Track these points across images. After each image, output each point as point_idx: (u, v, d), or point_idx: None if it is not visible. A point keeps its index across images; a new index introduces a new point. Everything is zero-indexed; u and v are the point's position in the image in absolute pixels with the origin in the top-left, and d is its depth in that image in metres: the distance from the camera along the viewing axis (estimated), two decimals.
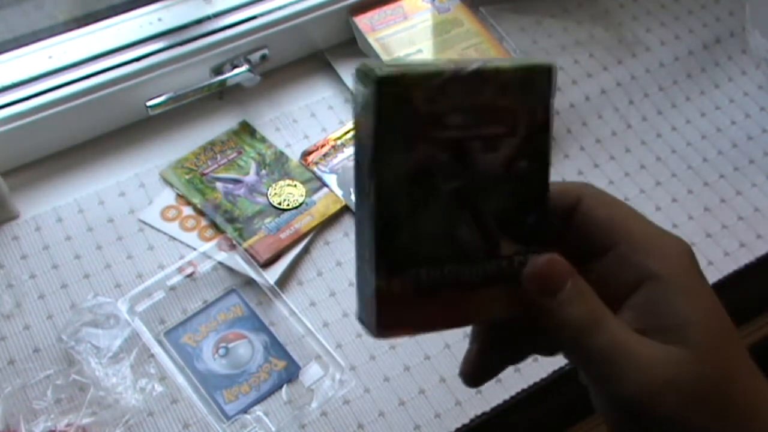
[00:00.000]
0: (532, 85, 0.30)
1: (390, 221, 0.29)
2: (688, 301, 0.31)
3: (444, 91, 0.28)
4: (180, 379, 0.62)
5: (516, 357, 0.36)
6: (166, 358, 0.62)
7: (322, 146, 0.76)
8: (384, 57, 0.77)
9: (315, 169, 0.75)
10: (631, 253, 0.32)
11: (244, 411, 0.61)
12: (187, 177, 0.73)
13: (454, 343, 0.65)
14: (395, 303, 0.30)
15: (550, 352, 0.35)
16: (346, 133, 0.77)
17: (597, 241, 0.32)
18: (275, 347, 0.64)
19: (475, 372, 0.36)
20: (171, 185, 0.73)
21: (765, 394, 0.32)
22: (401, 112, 0.28)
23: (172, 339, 0.64)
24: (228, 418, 0.60)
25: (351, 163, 0.75)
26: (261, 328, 0.65)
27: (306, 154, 0.75)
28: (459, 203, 0.30)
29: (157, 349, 0.63)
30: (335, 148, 0.76)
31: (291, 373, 0.63)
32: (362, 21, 0.80)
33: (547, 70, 0.31)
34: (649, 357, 0.30)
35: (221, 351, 0.64)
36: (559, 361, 0.65)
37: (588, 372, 0.32)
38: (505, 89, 0.30)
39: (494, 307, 0.32)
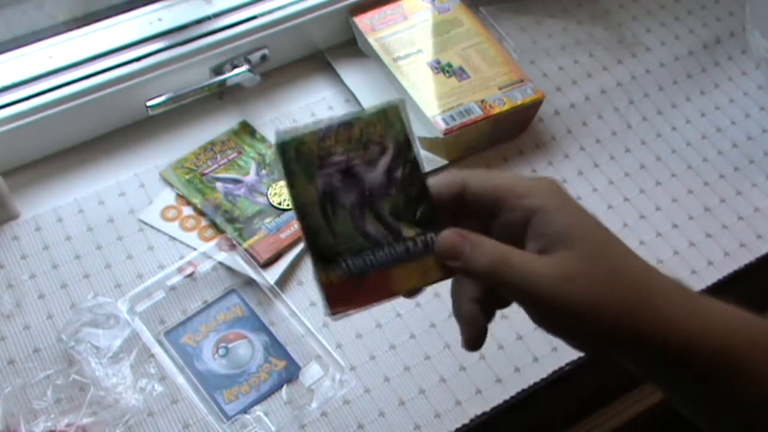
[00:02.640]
0: (388, 118, 0.43)
1: (314, 231, 0.42)
2: (564, 217, 0.40)
3: (325, 138, 0.42)
4: (180, 379, 0.62)
5: (491, 312, 0.44)
6: (166, 358, 0.62)
7: None
8: (384, 57, 0.77)
9: None
10: (514, 201, 0.41)
11: (244, 411, 0.61)
12: (187, 177, 0.73)
13: (454, 343, 0.65)
14: (336, 288, 0.42)
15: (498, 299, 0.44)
16: None
17: (489, 206, 0.42)
18: (275, 347, 0.64)
19: (475, 337, 0.43)
20: (171, 185, 0.73)
21: (646, 267, 0.40)
22: (299, 157, 0.42)
23: (172, 339, 0.64)
24: (228, 418, 0.60)
25: None
26: (261, 328, 0.65)
27: None
28: (361, 208, 0.42)
29: (157, 349, 0.63)
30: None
31: (291, 373, 0.63)
32: (362, 21, 0.80)
33: (396, 106, 0.43)
34: (546, 266, 0.39)
35: (221, 351, 0.64)
36: (558, 361, 0.65)
37: (513, 298, 0.41)
38: (369, 126, 0.43)
39: (413, 278, 0.42)
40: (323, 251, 0.43)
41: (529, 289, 0.39)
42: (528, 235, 0.41)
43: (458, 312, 0.44)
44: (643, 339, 0.39)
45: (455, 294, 0.44)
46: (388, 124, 0.44)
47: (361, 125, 0.43)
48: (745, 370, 0.40)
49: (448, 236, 0.41)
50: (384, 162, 0.43)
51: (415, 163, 0.43)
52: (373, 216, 0.43)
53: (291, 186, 0.42)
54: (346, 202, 0.42)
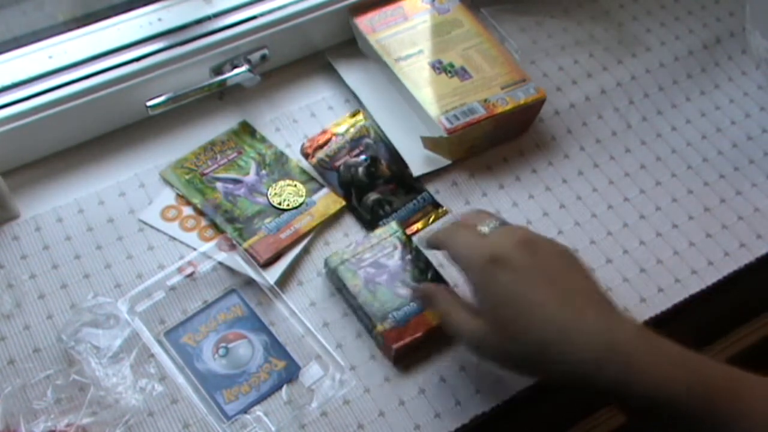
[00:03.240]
0: (392, 227, 0.70)
1: (366, 303, 0.65)
2: (480, 299, 0.55)
3: (355, 250, 0.68)
4: (180, 379, 0.62)
5: None
6: (166, 358, 0.62)
7: (323, 137, 0.76)
8: (385, 58, 0.77)
9: (314, 162, 0.75)
10: (463, 271, 0.57)
11: (244, 411, 0.61)
12: (187, 177, 0.73)
13: (454, 343, 0.65)
14: (389, 333, 0.63)
15: None
16: (348, 125, 0.77)
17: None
18: (275, 347, 0.64)
19: None
20: (171, 185, 0.73)
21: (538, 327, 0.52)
22: (344, 265, 0.67)
23: (172, 339, 0.64)
24: (228, 418, 0.60)
25: (352, 161, 0.75)
26: (261, 328, 0.65)
27: (306, 147, 0.76)
28: (392, 281, 0.66)
29: (156, 349, 0.63)
30: (335, 138, 0.76)
31: (291, 373, 0.63)
32: (363, 22, 0.80)
33: (396, 226, 0.70)
34: (471, 326, 0.55)
35: (221, 351, 0.64)
36: None
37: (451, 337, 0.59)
38: (380, 235, 0.70)
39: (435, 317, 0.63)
40: (375, 314, 0.64)
41: (458, 339, 0.58)
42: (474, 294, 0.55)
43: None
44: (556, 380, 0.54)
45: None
46: (393, 232, 0.68)
47: (373, 239, 0.68)
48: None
49: (422, 288, 0.63)
50: (398, 253, 0.67)
51: (417, 249, 0.67)
52: (401, 283, 0.65)
53: (344, 286, 0.65)
54: (381, 280, 0.65)
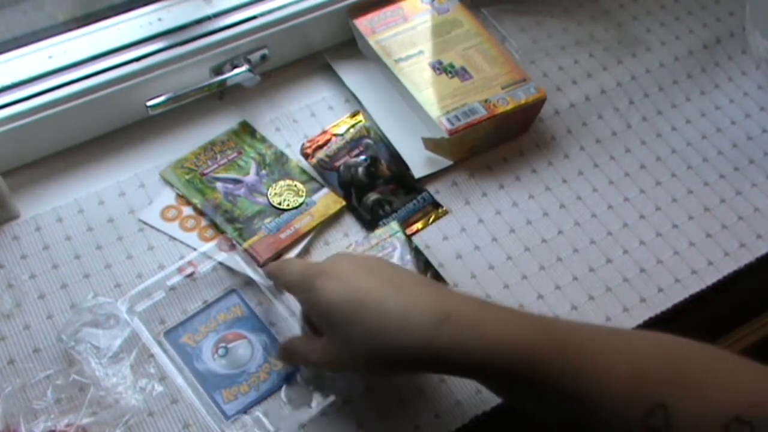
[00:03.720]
0: None
1: None
2: (314, 316, 0.58)
3: None
4: (179, 380, 0.62)
5: None
6: (166, 359, 0.62)
7: (323, 137, 0.76)
8: (385, 59, 0.77)
9: (314, 162, 0.75)
10: (297, 295, 0.60)
11: (244, 411, 0.61)
12: (187, 177, 0.73)
13: None
14: None
15: None
16: (348, 125, 0.77)
17: None
18: (275, 347, 0.64)
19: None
20: (171, 185, 0.73)
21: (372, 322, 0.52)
22: None
23: (172, 339, 0.64)
24: (227, 417, 0.60)
25: (352, 161, 0.75)
26: (261, 328, 0.65)
27: (306, 147, 0.76)
28: None
29: (156, 349, 0.63)
30: (335, 139, 0.76)
31: (290, 374, 0.63)
32: (362, 23, 0.80)
33: None
34: (312, 348, 0.57)
35: (221, 351, 0.64)
36: None
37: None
38: None
39: None
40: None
41: (311, 364, 0.60)
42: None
43: None
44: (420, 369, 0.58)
45: None
46: (393, 232, 0.69)
47: (373, 239, 0.69)
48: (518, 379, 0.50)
49: (281, 352, 0.63)
50: (398, 253, 0.67)
51: (417, 249, 0.68)
52: None
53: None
54: None
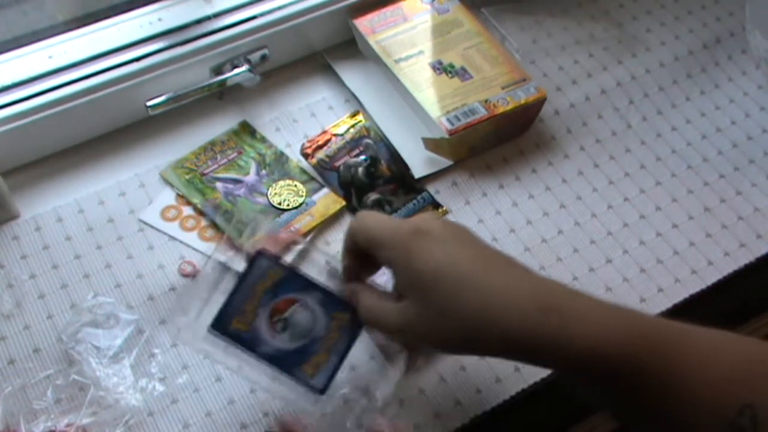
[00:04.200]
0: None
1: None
2: (401, 278, 0.51)
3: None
4: (246, 374, 0.55)
5: None
6: (222, 355, 0.55)
7: (323, 137, 0.76)
8: (385, 59, 0.77)
9: (314, 162, 0.75)
10: (378, 253, 0.52)
11: (332, 378, 0.54)
12: (187, 177, 0.73)
13: None
14: None
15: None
16: (348, 125, 0.77)
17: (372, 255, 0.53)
18: (332, 301, 0.56)
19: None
20: (171, 185, 0.73)
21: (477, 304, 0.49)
22: None
23: (220, 331, 0.55)
24: (323, 392, 0.54)
25: (352, 161, 0.75)
26: (308, 284, 0.57)
27: (306, 147, 0.76)
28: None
29: (204, 351, 0.56)
30: (335, 139, 0.76)
31: (359, 323, 0.56)
32: (362, 23, 0.80)
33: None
34: (392, 310, 0.51)
35: (279, 325, 0.56)
36: None
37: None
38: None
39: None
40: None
41: (383, 327, 0.53)
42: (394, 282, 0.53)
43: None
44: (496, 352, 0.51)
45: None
46: None
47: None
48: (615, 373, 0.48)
49: (348, 290, 0.56)
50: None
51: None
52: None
53: None
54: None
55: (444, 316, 0.49)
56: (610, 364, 0.47)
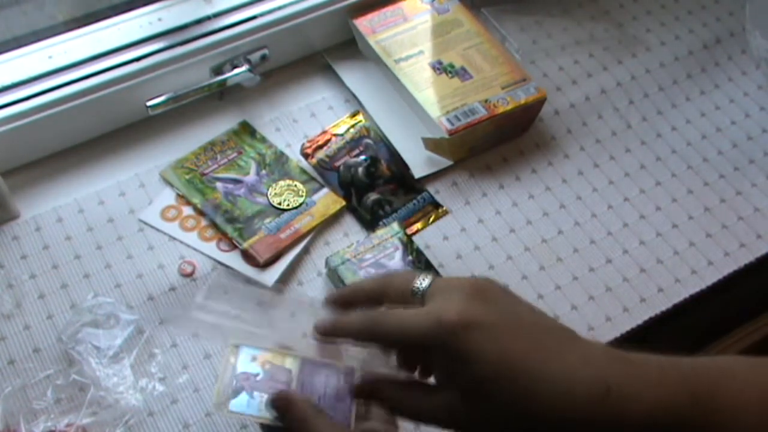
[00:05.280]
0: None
1: None
2: (447, 370, 0.47)
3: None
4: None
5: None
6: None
7: (323, 137, 0.76)
8: (385, 59, 0.77)
9: (314, 162, 0.75)
10: (390, 286, 0.49)
11: None
12: (187, 177, 0.73)
13: None
14: None
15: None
16: (348, 125, 0.77)
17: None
18: None
19: None
20: (171, 185, 0.73)
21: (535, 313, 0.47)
22: None
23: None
24: None
25: (352, 161, 0.75)
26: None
27: (306, 147, 0.76)
28: None
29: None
30: (335, 139, 0.76)
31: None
32: (362, 23, 0.80)
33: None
34: (418, 313, 0.46)
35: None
36: None
37: (396, 345, 0.50)
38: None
39: None
40: None
41: (410, 328, 0.46)
42: (435, 371, 0.48)
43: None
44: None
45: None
46: (394, 233, 0.67)
47: (374, 239, 0.66)
48: None
49: (320, 319, 0.49)
50: (398, 254, 0.65)
51: (418, 250, 0.66)
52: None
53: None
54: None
55: (496, 408, 0.45)
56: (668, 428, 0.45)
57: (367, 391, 0.50)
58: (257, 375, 0.52)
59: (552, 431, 0.46)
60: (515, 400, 0.45)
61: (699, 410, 0.46)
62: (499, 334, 0.46)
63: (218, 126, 0.77)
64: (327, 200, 0.72)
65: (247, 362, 0.52)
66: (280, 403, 0.49)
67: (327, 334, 0.49)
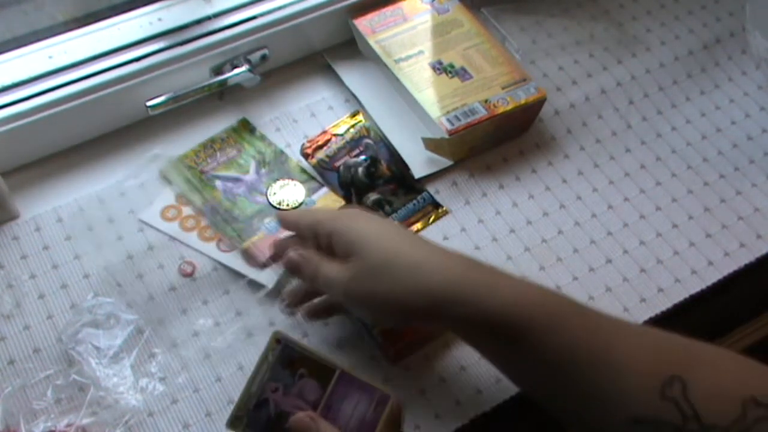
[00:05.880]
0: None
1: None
2: (343, 237, 0.56)
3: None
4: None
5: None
6: None
7: (323, 137, 0.76)
8: (385, 59, 0.77)
9: (314, 163, 0.75)
10: (320, 229, 0.58)
11: None
12: (186, 174, 0.73)
13: (453, 343, 0.65)
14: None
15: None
16: (348, 125, 0.77)
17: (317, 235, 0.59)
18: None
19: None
20: (170, 182, 0.73)
21: (421, 260, 0.54)
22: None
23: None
24: None
25: (352, 161, 0.75)
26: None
27: (306, 147, 0.76)
28: None
29: None
30: (335, 139, 0.76)
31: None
32: (362, 23, 0.80)
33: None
34: (341, 272, 0.55)
35: None
36: None
37: (329, 295, 0.62)
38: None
39: None
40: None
41: (333, 288, 0.56)
42: (335, 249, 0.56)
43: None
44: (430, 315, 0.54)
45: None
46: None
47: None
48: (530, 334, 0.51)
49: (283, 241, 0.63)
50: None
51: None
52: None
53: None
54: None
55: (381, 272, 0.53)
56: (533, 321, 0.50)
57: (290, 260, 0.59)
58: (287, 386, 0.52)
59: (413, 300, 0.53)
60: (392, 262, 0.53)
61: (584, 320, 0.52)
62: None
63: (218, 126, 0.77)
64: (326, 200, 0.72)
65: (283, 366, 0.53)
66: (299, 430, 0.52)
67: (285, 219, 0.62)
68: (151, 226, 0.70)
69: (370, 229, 0.56)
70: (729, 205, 0.75)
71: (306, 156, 0.76)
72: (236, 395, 0.62)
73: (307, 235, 0.59)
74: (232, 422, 0.53)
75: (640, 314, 0.68)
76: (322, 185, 0.74)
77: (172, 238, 0.70)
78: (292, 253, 0.59)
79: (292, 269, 0.59)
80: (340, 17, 0.81)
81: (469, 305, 0.51)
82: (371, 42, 0.79)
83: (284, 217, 0.62)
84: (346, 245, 0.55)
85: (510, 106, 0.74)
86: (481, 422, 0.62)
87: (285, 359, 0.53)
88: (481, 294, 0.51)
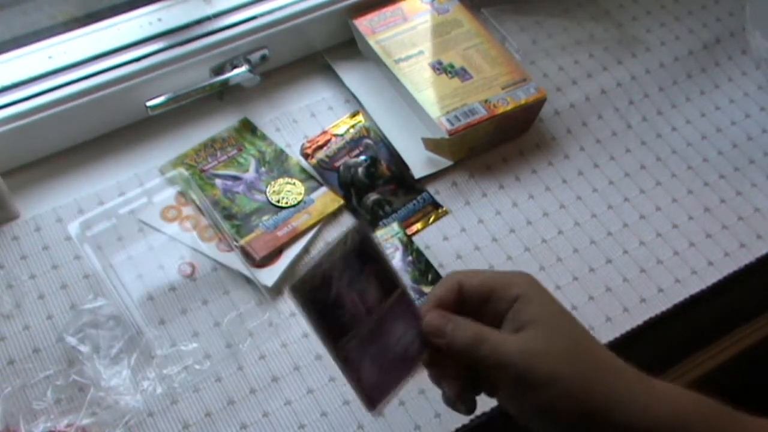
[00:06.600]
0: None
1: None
2: (537, 304, 0.47)
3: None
4: None
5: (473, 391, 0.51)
6: None
7: (323, 138, 0.76)
8: (385, 59, 0.77)
9: (314, 163, 0.75)
10: (501, 293, 0.48)
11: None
12: (186, 173, 0.73)
13: None
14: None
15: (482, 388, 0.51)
16: (348, 126, 0.77)
17: (480, 299, 0.49)
18: None
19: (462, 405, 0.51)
20: (170, 181, 0.73)
21: (606, 350, 0.47)
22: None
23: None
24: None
25: (352, 161, 0.75)
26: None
27: (306, 147, 0.76)
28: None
29: None
30: (335, 139, 0.76)
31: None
32: (362, 24, 0.80)
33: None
34: (516, 342, 0.46)
35: None
36: None
37: (489, 371, 0.47)
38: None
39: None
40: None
41: (501, 362, 0.46)
42: (506, 318, 0.48)
43: (447, 397, 0.52)
44: (600, 412, 0.45)
45: (438, 382, 0.52)
46: (394, 233, 0.61)
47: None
48: None
49: (434, 317, 0.49)
50: (399, 254, 0.57)
51: (418, 250, 0.58)
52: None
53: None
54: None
55: (577, 352, 0.46)
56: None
57: (432, 327, 0.49)
58: (352, 278, 0.48)
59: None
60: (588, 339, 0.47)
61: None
62: (577, 391, 0.45)
63: (218, 126, 0.77)
64: (325, 199, 0.72)
65: (356, 256, 0.48)
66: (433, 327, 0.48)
67: (434, 335, 0.49)
68: (151, 227, 0.70)
69: (554, 306, 0.48)
70: (729, 206, 0.75)
71: (306, 156, 0.76)
72: (236, 395, 0.62)
73: (468, 301, 0.49)
74: (297, 287, 0.46)
75: (640, 314, 0.68)
76: (321, 184, 0.74)
77: (172, 239, 0.70)
78: (436, 314, 0.49)
79: (436, 332, 0.49)
80: (340, 17, 0.81)
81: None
82: (371, 42, 0.79)
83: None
84: (526, 317, 0.47)
85: (510, 107, 0.74)
86: (481, 422, 0.62)
87: (360, 252, 0.48)
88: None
